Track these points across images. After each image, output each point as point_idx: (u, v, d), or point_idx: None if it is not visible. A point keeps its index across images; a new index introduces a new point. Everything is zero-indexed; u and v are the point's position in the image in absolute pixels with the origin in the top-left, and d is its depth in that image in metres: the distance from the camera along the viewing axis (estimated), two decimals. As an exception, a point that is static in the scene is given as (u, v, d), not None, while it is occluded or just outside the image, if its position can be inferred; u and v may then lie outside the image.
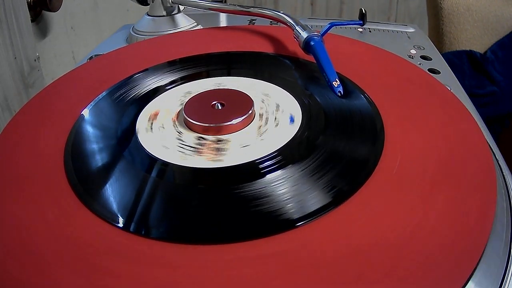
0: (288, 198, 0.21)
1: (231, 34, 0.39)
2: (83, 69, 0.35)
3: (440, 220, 0.19)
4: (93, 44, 0.68)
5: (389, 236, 0.19)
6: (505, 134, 0.63)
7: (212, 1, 0.42)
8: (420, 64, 0.38)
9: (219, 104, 0.27)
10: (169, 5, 0.44)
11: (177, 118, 0.27)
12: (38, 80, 0.54)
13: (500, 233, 0.20)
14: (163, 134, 0.26)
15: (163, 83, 0.31)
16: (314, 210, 0.20)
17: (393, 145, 0.24)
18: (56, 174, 0.23)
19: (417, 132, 0.25)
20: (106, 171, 0.24)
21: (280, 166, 0.23)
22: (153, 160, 0.24)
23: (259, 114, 0.27)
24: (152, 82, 0.31)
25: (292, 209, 0.20)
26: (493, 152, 0.27)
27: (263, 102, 0.28)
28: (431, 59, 0.39)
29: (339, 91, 0.28)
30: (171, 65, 0.33)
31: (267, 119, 0.26)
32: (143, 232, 0.20)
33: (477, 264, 0.18)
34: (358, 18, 0.37)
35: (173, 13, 0.45)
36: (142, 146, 0.25)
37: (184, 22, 0.45)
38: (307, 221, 0.19)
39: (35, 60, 0.53)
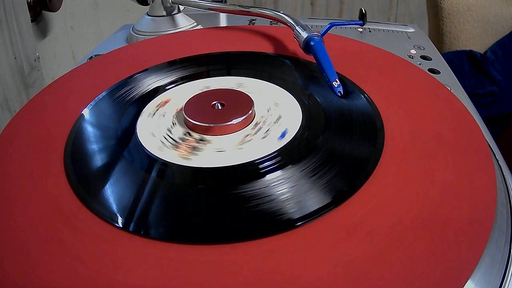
0: (288, 198, 0.21)
1: (231, 34, 0.39)
2: (83, 69, 0.35)
3: (440, 221, 0.19)
4: (93, 44, 0.68)
5: (388, 236, 0.19)
6: (505, 134, 0.63)
7: (212, 1, 0.42)
8: (420, 64, 0.38)
9: (219, 104, 0.27)
10: (169, 5, 0.44)
11: (180, 110, 0.28)
12: (38, 80, 0.54)
13: (500, 233, 0.20)
14: (159, 122, 0.27)
15: (163, 83, 0.31)
16: (314, 210, 0.20)
17: (393, 145, 0.24)
18: (56, 173, 0.23)
19: (416, 132, 0.25)
20: (105, 171, 0.24)
21: (280, 166, 0.23)
22: (153, 160, 0.24)
23: (256, 123, 0.26)
24: (152, 82, 0.31)
25: (292, 209, 0.20)
26: (493, 152, 0.27)
27: (268, 111, 0.27)
28: (431, 59, 0.39)
29: (339, 91, 0.28)
30: (171, 65, 0.33)
31: (259, 129, 0.26)
32: (142, 232, 0.20)
33: (477, 264, 0.18)
34: (358, 18, 0.37)
35: (173, 13, 0.45)
36: (142, 146, 0.25)
37: (184, 22, 0.45)
38: (307, 221, 0.19)
39: (35, 60, 0.53)
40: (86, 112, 0.28)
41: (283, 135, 0.25)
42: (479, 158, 0.23)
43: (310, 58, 0.31)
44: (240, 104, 0.27)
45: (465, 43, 0.67)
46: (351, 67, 0.31)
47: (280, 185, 0.21)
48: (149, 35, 0.43)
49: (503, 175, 0.25)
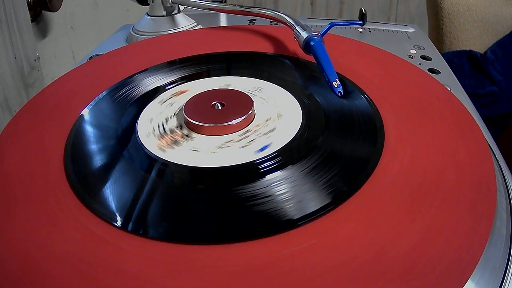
0: (288, 198, 0.21)
1: (231, 34, 0.39)
2: (83, 69, 0.35)
3: (440, 221, 0.19)
4: (93, 44, 0.68)
5: (388, 236, 0.19)
6: (505, 134, 0.63)
7: (212, 1, 0.42)
8: (420, 64, 0.38)
9: (219, 104, 0.27)
10: (169, 5, 0.44)
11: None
12: (38, 80, 0.54)
13: (500, 233, 0.20)
14: (163, 110, 0.27)
15: (163, 83, 0.31)
16: (314, 211, 0.20)
17: (393, 145, 0.24)
18: (56, 173, 0.23)
19: (417, 132, 0.25)
20: (105, 171, 0.24)
21: (279, 166, 0.23)
22: (152, 160, 0.24)
23: (247, 130, 0.26)
24: (152, 82, 0.31)
25: (292, 209, 0.20)
26: (493, 152, 0.27)
27: (266, 121, 0.26)
28: (431, 59, 0.39)
29: (339, 91, 0.28)
30: (171, 65, 0.33)
31: (245, 137, 0.25)
32: (141, 232, 0.20)
33: (477, 264, 0.18)
34: (358, 18, 0.37)
35: (173, 13, 0.45)
36: (142, 146, 0.25)
37: (184, 22, 0.45)
38: (307, 221, 0.19)
39: (35, 60, 0.53)
40: (86, 112, 0.28)
41: (263, 149, 0.24)
42: (479, 158, 0.23)
43: (310, 58, 0.31)
44: (240, 104, 0.27)
45: (465, 43, 0.67)
46: (351, 67, 0.31)
47: (280, 185, 0.21)
48: (149, 35, 0.43)
49: (503, 175, 0.25)
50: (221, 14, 0.50)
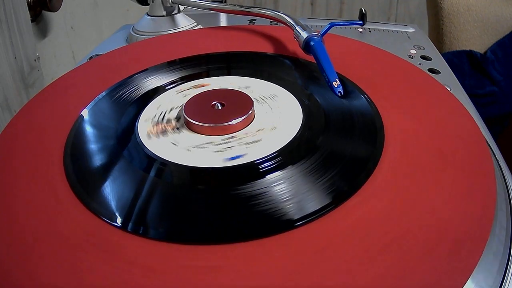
0: (288, 198, 0.21)
1: (231, 34, 0.39)
2: (83, 69, 0.35)
3: (440, 221, 0.19)
4: (93, 44, 0.68)
5: (388, 236, 0.19)
6: (505, 134, 0.63)
7: (212, 1, 0.42)
8: (420, 64, 0.38)
9: (219, 104, 0.27)
10: (169, 5, 0.44)
11: None
12: (38, 80, 0.54)
13: (500, 233, 0.20)
14: (175, 100, 0.29)
15: (163, 83, 0.31)
16: (314, 211, 0.20)
17: (393, 145, 0.24)
18: (56, 173, 0.23)
19: (416, 132, 0.25)
20: (104, 171, 0.24)
21: (279, 166, 0.23)
22: (151, 159, 0.24)
23: (232, 136, 0.25)
24: (152, 82, 0.31)
25: (291, 209, 0.20)
26: (493, 152, 0.27)
27: (258, 131, 0.25)
28: (431, 59, 0.39)
29: (339, 91, 0.28)
30: (171, 65, 0.33)
31: (226, 143, 0.25)
32: (140, 232, 0.20)
33: (477, 264, 0.18)
34: (358, 18, 0.37)
35: (173, 13, 0.45)
36: (141, 145, 0.25)
37: (184, 22, 0.45)
38: (307, 221, 0.19)
39: (35, 60, 0.53)
40: (85, 112, 0.28)
41: (234, 158, 0.23)
42: (479, 158, 0.23)
43: (310, 58, 0.31)
44: (240, 105, 0.27)
45: (465, 43, 0.67)
46: (351, 67, 0.31)
47: (280, 185, 0.21)
48: (149, 35, 0.43)
49: (503, 175, 0.25)
50: (221, 14, 0.50)
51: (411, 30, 0.46)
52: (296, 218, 0.20)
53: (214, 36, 0.39)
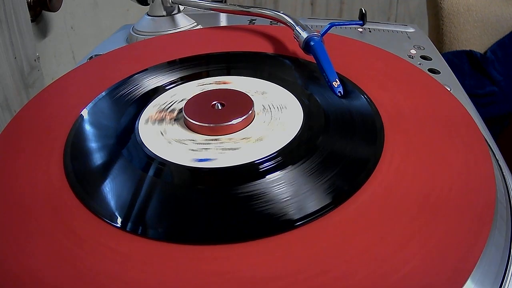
0: (288, 199, 0.21)
1: (231, 34, 0.39)
2: (83, 69, 0.35)
3: (439, 221, 0.19)
4: (93, 44, 0.68)
5: (388, 236, 0.19)
6: (505, 134, 0.63)
7: (212, 1, 0.42)
8: (420, 64, 0.38)
9: (219, 104, 0.27)
10: (169, 5, 0.44)
11: None
12: (38, 80, 0.54)
13: (500, 233, 0.20)
14: (190, 92, 0.29)
15: (163, 83, 0.31)
16: (314, 211, 0.20)
17: (392, 146, 0.24)
18: (56, 174, 0.24)
19: (416, 132, 0.25)
20: (104, 170, 0.24)
21: (279, 166, 0.23)
22: (151, 159, 0.24)
23: (215, 139, 0.25)
24: (152, 82, 0.31)
25: (291, 209, 0.20)
26: (493, 152, 0.27)
27: (243, 139, 0.25)
28: (431, 59, 0.39)
29: (339, 91, 0.28)
30: (171, 65, 0.33)
31: (205, 144, 0.25)
32: (139, 232, 0.20)
33: (477, 264, 0.18)
34: (358, 18, 0.37)
35: (173, 13, 0.45)
36: (140, 145, 0.25)
37: (184, 22, 0.45)
38: (307, 221, 0.19)
39: (35, 60, 0.53)
40: (85, 112, 0.28)
41: (201, 160, 0.23)
42: (479, 158, 0.23)
43: (310, 58, 0.31)
44: (240, 105, 0.27)
45: (465, 43, 0.67)
46: (351, 67, 0.31)
47: (280, 185, 0.21)
48: (149, 35, 0.43)
49: (503, 175, 0.25)
50: (221, 14, 0.50)
51: (411, 30, 0.46)
52: (296, 218, 0.20)
53: (214, 36, 0.39)
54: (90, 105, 0.29)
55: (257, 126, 0.26)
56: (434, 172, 0.22)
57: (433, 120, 0.26)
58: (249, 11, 0.39)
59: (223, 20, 0.50)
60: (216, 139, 0.25)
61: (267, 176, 0.22)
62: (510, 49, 0.65)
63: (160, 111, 0.27)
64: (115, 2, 0.75)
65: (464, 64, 0.66)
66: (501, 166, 0.26)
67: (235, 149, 0.24)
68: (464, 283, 0.17)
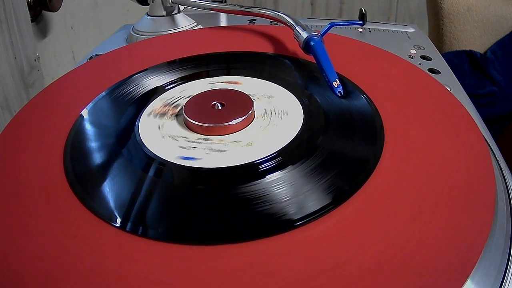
0: (288, 199, 0.21)
1: (231, 34, 0.39)
2: (83, 69, 0.35)
3: (439, 220, 0.19)
4: (93, 44, 0.68)
5: (388, 236, 0.19)
6: (505, 134, 0.63)
7: (212, 1, 0.42)
8: (420, 64, 0.38)
9: (219, 104, 0.27)
10: (169, 5, 0.44)
11: None
12: (38, 80, 0.54)
13: (500, 233, 0.20)
14: (200, 88, 0.29)
15: (163, 83, 0.31)
16: (314, 211, 0.20)
17: (393, 145, 0.24)
18: (56, 173, 0.23)
19: (416, 132, 0.25)
20: (104, 170, 0.24)
21: (279, 166, 0.23)
22: (150, 159, 0.24)
23: (207, 139, 0.25)
24: (152, 82, 0.31)
25: (291, 209, 0.20)
26: (493, 152, 0.27)
27: (233, 142, 0.25)
28: (431, 59, 0.39)
29: (339, 91, 0.28)
30: (171, 65, 0.33)
31: (196, 143, 0.25)
32: (139, 232, 0.20)
33: (477, 264, 0.18)
34: (358, 18, 0.37)
35: (173, 13, 0.45)
36: (140, 145, 0.25)
37: (184, 22, 0.45)
38: (307, 221, 0.19)
39: (35, 60, 0.53)
40: (85, 112, 0.28)
41: (186, 158, 0.23)
42: (479, 158, 0.23)
43: (310, 58, 0.31)
44: (240, 105, 0.27)
45: (465, 43, 0.67)
46: (351, 67, 0.31)
47: (280, 185, 0.21)
48: (149, 35, 0.43)
49: (503, 175, 0.25)
50: (221, 14, 0.50)
51: (411, 30, 0.46)
52: (296, 218, 0.20)
53: (214, 36, 0.39)
54: (90, 105, 0.29)
55: (251, 131, 0.26)
56: (434, 172, 0.22)
57: (433, 120, 0.26)
58: (249, 11, 0.39)
59: (223, 20, 0.50)
60: (207, 139, 0.25)
61: (267, 176, 0.22)
62: (510, 49, 0.65)
63: (165, 105, 0.28)
64: (115, 2, 0.75)
65: (464, 64, 0.66)
66: (501, 166, 0.26)
67: (222, 151, 0.24)
68: (464, 283, 0.17)
